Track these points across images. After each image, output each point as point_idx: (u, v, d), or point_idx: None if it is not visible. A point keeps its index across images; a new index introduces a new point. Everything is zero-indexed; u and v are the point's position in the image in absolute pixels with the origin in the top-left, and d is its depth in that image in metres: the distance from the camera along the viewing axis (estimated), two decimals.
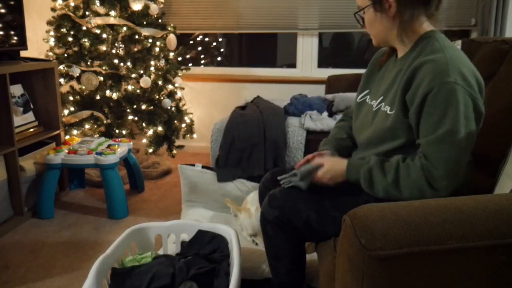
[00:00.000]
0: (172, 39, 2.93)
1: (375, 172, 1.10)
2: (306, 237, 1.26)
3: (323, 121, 2.44)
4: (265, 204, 1.25)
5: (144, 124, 2.83)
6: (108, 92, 2.75)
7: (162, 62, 2.90)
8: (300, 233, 1.23)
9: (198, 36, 3.74)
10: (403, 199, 0.99)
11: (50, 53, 2.77)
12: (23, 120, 2.39)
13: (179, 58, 3.18)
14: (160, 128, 2.88)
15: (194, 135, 3.20)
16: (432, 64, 1.04)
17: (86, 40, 2.67)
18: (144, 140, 2.93)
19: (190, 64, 3.39)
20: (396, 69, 1.18)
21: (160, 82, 2.87)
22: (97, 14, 2.72)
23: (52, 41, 2.74)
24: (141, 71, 2.78)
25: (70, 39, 2.72)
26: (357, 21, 1.22)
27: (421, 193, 1.04)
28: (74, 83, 2.81)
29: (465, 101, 1.00)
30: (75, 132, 2.75)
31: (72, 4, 2.72)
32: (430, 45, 1.11)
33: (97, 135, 2.81)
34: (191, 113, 3.21)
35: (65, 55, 2.75)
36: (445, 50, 1.07)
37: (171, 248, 1.61)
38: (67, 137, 2.68)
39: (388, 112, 1.15)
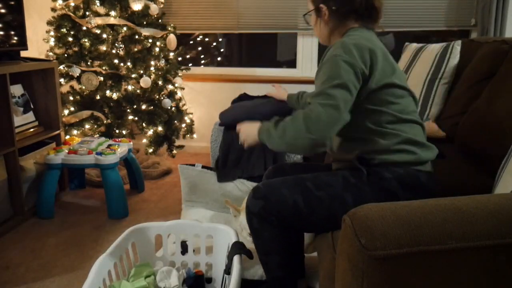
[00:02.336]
0: (172, 39, 2.93)
1: (271, 127, 1.24)
2: (295, 225, 1.25)
3: None
4: (249, 197, 1.26)
5: (144, 124, 2.84)
6: (108, 92, 2.76)
7: (162, 62, 2.90)
8: (288, 222, 1.23)
9: (198, 36, 3.74)
10: (288, 145, 1.18)
11: (50, 53, 2.77)
12: (23, 120, 2.39)
13: (179, 58, 3.18)
14: (160, 128, 2.88)
15: (194, 135, 3.20)
16: (331, 49, 1.25)
17: (86, 40, 2.67)
18: (144, 140, 2.93)
19: (190, 64, 3.39)
20: None
21: (160, 82, 2.87)
22: (97, 14, 2.72)
23: (52, 41, 2.75)
24: (141, 71, 2.78)
25: (70, 39, 2.73)
26: (306, 22, 1.46)
27: (299, 134, 1.15)
28: (74, 83, 2.82)
29: (340, 65, 1.17)
30: (75, 132, 2.75)
31: (72, 4, 2.72)
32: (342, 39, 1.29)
33: (97, 135, 2.82)
34: (191, 113, 3.21)
35: (65, 55, 2.75)
36: (346, 37, 1.26)
37: (171, 248, 1.62)
38: (67, 137, 2.68)
39: None
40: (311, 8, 1.40)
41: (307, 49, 3.32)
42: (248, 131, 1.35)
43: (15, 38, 2.31)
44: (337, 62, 1.17)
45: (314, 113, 1.13)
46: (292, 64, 3.43)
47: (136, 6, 2.72)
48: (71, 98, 2.79)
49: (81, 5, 2.74)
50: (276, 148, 1.25)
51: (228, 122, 2.40)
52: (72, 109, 2.78)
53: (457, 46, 2.21)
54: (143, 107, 2.83)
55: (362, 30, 1.31)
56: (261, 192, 1.23)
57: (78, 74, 2.68)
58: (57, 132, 2.54)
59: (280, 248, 1.29)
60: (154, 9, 2.81)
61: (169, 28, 2.95)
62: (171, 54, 3.03)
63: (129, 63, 2.75)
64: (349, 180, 1.21)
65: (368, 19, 1.34)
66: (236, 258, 1.34)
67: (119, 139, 2.60)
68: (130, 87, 2.80)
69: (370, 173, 1.20)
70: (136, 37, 2.79)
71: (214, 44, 3.81)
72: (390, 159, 1.21)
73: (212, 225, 1.56)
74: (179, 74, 3.08)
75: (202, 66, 3.66)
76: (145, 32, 2.78)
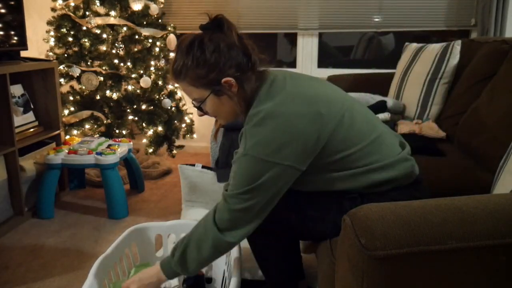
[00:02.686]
0: (172, 39, 2.93)
1: (182, 253, 1.13)
2: (289, 236, 1.24)
3: None
4: None
5: (144, 124, 2.84)
6: (108, 92, 2.76)
7: (162, 62, 2.90)
8: (282, 234, 1.22)
9: None
10: (206, 257, 1.09)
11: (50, 53, 2.77)
12: (23, 120, 2.39)
13: None
14: (160, 128, 2.88)
15: (194, 135, 3.20)
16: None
17: (86, 40, 2.67)
18: (144, 140, 2.93)
19: None
20: None
21: (160, 82, 2.87)
22: (97, 14, 2.72)
23: (52, 41, 2.75)
24: (141, 71, 2.78)
25: (70, 39, 2.73)
26: (200, 111, 1.17)
27: (216, 243, 1.07)
28: (74, 83, 2.82)
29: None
30: (75, 132, 2.75)
31: (72, 4, 2.72)
32: (253, 106, 1.09)
33: (97, 135, 2.82)
34: (191, 113, 3.21)
35: (65, 55, 2.75)
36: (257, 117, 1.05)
37: (171, 248, 1.61)
38: (67, 137, 2.68)
39: None
40: (202, 94, 1.10)
41: (307, 49, 3.32)
42: (146, 276, 1.20)
43: (15, 38, 2.31)
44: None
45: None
46: (292, 64, 3.43)
47: (136, 6, 2.72)
48: (71, 98, 2.79)
49: (81, 5, 2.74)
50: (190, 273, 1.16)
51: (229, 125, 2.39)
52: (72, 109, 2.78)
53: (457, 46, 2.21)
54: (143, 107, 2.83)
55: (273, 82, 1.11)
56: None
57: (78, 74, 2.68)
58: (57, 132, 2.54)
59: (278, 253, 1.29)
60: (154, 9, 2.81)
61: (169, 28, 2.95)
62: (171, 54, 3.03)
63: (129, 63, 2.75)
64: (343, 202, 1.11)
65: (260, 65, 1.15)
66: (236, 258, 1.34)
67: (119, 139, 2.60)
68: (130, 87, 2.80)
69: (363, 199, 1.11)
70: (136, 37, 2.79)
71: None
72: (377, 190, 1.11)
73: None
74: None
75: None
76: (145, 32, 2.78)
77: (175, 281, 1.45)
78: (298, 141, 1.01)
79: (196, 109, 1.17)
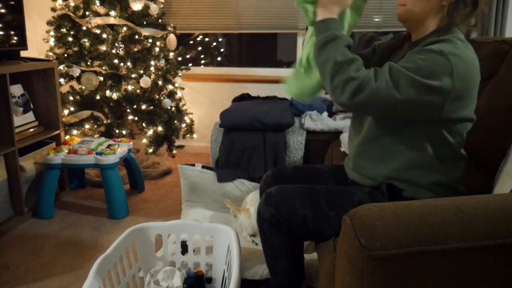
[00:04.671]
0: (172, 39, 2.93)
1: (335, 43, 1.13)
2: (302, 235, 1.26)
3: (323, 121, 2.44)
4: (261, 203, 1.25)
5: (144, 124, 2.84)
6: (108, 92, 2.76)
7: (162, 62, 2.90)
8: (296, 231, 1.23)
9: (198, 36, 3.74)
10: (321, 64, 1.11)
11: (50, 53, 2.77)
12: (23, 120, 2.39)
13: (179, 58, 3.18)
14: (160, 128, 2.88)
15: (194, 135, 3.20)
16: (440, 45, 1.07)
17: (86, 40, 2.67)
18: (144, 140, 2.93)
19: (190, 64, 3.38)
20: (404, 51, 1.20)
21: (160, 82, 2.87)
22: (97, 14, 2.72)
23: (52, 41, 2.74)
24: (141, 71, 2.78)
25: (70, 39, 2.72)
26: None
27: (340, 81, 1.08)
28: (74, 83, 2.82)
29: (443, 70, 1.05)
30: (75, 132, 2.75)
31: (72, 4, 2.72)
32: (447, 41, 1.10)
33: (97, 135, 2.82)
34: (191, 113, 3.21)
35: (65, 55, 2.75)
36: (456, 44, 1.08)
37: (171, 248, 1.61)
38: (67, 137, 2.68)
39: None
40: None
41: None
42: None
43: (15, 38, 2.31)
44: (443, 64, 1.03)
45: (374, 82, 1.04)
46: (292, 64, 3.43)
47: (136, 6, 2.72)
48: (71, 98, 2.79)
49: (81, 5, 2.73)
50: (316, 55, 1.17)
51: (229, 125, 2.39)
52: (72, 109, 2.77)
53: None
54: (143, 107, 2.83)
55: (466, 43, 1.13)
56: (273, 199, 1.22)
57: (78, 74, 2.68)
58: (57, 132, 2.53)
59: (288, 254, 1.30)
60: (154, 9, 2.81)
61: (169, 28, 2.95)
62: (171, 54, 3.03)
63: (129, 63, 2.75)
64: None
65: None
66: (236, 258, 1.34)
67: (119, 139, 2.60)
68: (130, 87, 2.79)
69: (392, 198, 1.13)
70: (136, 37, 2.79)
71: (214, 44, 3.80)
72: (423, 195, 1.13)
73: (212, 225, 1.56)
74: (179, 74, 3.08)
75: (202, 66, 3.66)
76: (145, 32, 2.78)
77: (177, 282, 1.45)
78: (475, 84, 1.10)
79: None
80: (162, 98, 2.89)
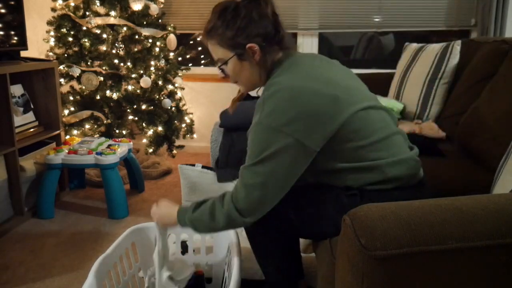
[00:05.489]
0: (172, 39, 2.93)
1: (195, 214, 1.14)
2: (289, 233, 1.25)
3: None
4: None
5: (144, 124, 2.84)
6: (108, 92, 2.76)
7: (162, 62, 2.90)
8: (282, 230, 1.22)
9: (198, 36, 3.74)
10: (218, 228, 1.09)
11: (50, 53, 2.77)
12: (23, 120, 2.39)
13: (179, 58, 3.18)
14: (160, 128, 2.88)
15: (194, 135, 3.20)
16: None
17: (86, 40, 2.67)
18: (144, 140, 2.93)
19: (190, 64, 3.39)
20: None
21: (160, 82, 2.87)
22: (97, 14, 2.72)
23: (52, 41, 2.75)
24: (141, 71, 2.78)
25: (70, 39, 2.72)
26: (222, 73, 1.22)
27: (231, 219, 1.07)
28: (74, 83, 2.82)
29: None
30: (75, 132, 2.75)
31: (72, 4, 2.72)
32: (273, 76, 1.14)
33: (97, 135, 2.82)
34: (191, 113, 3.21)
35: (65, 55, 2.75)
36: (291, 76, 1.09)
37: (171, 248, 1.61)
38: (67, 137, 2.68)
39: None
40: (226, 55, 1.16)
41: (307, 49, 3.32)
42: (164, 215, 1.27)
43: (15, 38, 2.31)
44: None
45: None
46: None
47: (136, 6, 2.72)
48: (71, 98, 2.79)
49: (81, 5, 2.73)
50: (201, 233, 1.21)
51: (229, 125, 2.39)
52: (72, 109, 2.78)
53: (457, 46, 2.21)
54: (143, 107, 2.83)
55: (298, 59, 1.15)
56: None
57: (78, 74, 2.68)
58: (57, 132, 2.54)
59: (278, 252, 1.28)
60: (154, 9, 2.81)
61: (169, 28, 2.95)
62: (171, 54, 3.03)
63: (129, 63, 2.75)
64: (342, 200, 1.11)
65: (290, 44, 1.19)
66: (236, 258, 1.34)
67: (119, 139, 2.61)
68: (130, 87, 2.80)
69: (363, 197, 1.10)
70: (136, 37, 2.79)
71: None
72: (380, 188, 1.10)
73: None
74: (179, 74, 3.08)
75: (202, 66, 3.66)
76: (145, 32, 2.78)
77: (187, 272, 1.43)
78: (312, 118, 1.03)
79: (219, 72, 1.22)
80: (162, 98, 2.89)
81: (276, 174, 1.04)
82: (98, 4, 2.72)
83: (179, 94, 3.08)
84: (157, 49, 2.86)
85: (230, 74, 1.20)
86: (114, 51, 2.77)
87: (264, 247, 1.27)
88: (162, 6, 3.03)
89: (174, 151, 3.07)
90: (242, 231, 1.92)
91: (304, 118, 1.02)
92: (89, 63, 2.73)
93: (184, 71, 3.14)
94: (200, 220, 1.14)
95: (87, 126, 2.77)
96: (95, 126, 2.80)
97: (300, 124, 1.02)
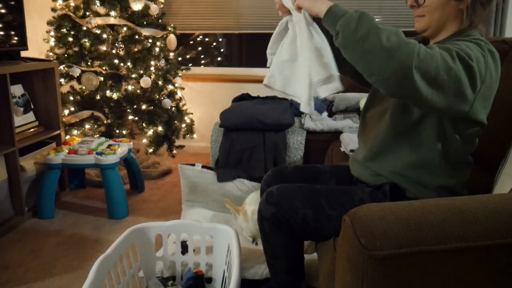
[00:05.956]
0: (172, 39, 2.93)
1: (363, 19, 0.97)
2: (303, 235, 1.26)
3: (323, 121, 2.44)
4: (262, 201, 1.25)
5: (144, 124, 2.84)
6: (108, 92, 2.76)
7: (162, 62, 2.90)
8: (297, 231, 1.23)
9: (198, 36, 3.74)
10: (363, 53, 0.94)
11: (51, 53, 2.77)
12: (23, 120, 2.39)
13: (179, 58, 3.18)
14: (160, 128, 2.88)
15: (194, 135, 3.20)
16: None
17: (86, 40, 2.67)
18: (144, 140, 2.94)
19: (190, 64, 3.39)
20: None
21: (160, 82, 2.88)
22: (97, 14, 2.72)
23: (52, 41, 2.75)
24: (141, 71, 2.78)
25: (70, 39, 2.73)
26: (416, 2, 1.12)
27: (405, 43, 0.94)
28: (74, 83, 2.82)
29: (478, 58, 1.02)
30: (75, 132, 2.75)
31: (72, 4, 2.72)
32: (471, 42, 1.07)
33: (97, 135, 2.82)
34: (191, 113, 3.21)
35: (66, 55, 2.75)
36: (477, 42, 1.06)
37: (171, 248, 1.62)
38: (68, 137, 2.68)
39: None
40: None
41: None
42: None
43: (15, 38, 2.31)
44: (477, 55, 1.00)
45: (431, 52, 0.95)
46: None
47: (136, 6, 2.72)
48: (71, 98, 2.79)
49: (81, 5, 2.73)
50: (344, 47, 0.99)
51: (229, 125, 2.39)
52: (72, 109, 2.78)
53: None
54: (143, 107, 2.83)
55: (489, 44, 1.09)
56: (274, 198, 1.22)
57: (78, 74, 2.69)
58: (57, 132, 2.54)
59: (289, 253, 1.30)
60: (154, 9, 2.81)
61: (169, 28, 2.95)
62: (171, 54, 3.03)
63: (129, 63, 2.75)
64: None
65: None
66: (236, 258, 1.34)
67: (119, 139, 2.60)
68: (130, 87, 2.80)
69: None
70: (136, 37, 2.79)
71: (214, 44, 3.80)
72: (426, 196, 1.13)
73: (212, 225, 1.56)
74: (179, 74, 3.08)
75: (202, 66, 3.66)
76: (145, 32, 2.78)
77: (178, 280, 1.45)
78: (492, 87, 1.07)
79: None
80: (162, 98, 2.89)
81: (456, 78, 0.96)
82: (98, 4, 2.72)
83: (179, 94, 3.08)
84: (157, 49, 2.86)
85: (428, 3, 1.11)
86: (114, 51, 2.77)
87: (277, 247, 1.28)
88: (162, 6, 3.03)
89: (174, 151, 3.07)
90: (242, 231, 1.92)
91: (496, 84, 1.08)
92: (89, 63, 2.73)
93: (184, 71, 3.14)
94: (363, 25, 0.95)
95: (87, 126, 2.77)
96: (95, 126, 2.80)
97: (493, 84, 1.06)
